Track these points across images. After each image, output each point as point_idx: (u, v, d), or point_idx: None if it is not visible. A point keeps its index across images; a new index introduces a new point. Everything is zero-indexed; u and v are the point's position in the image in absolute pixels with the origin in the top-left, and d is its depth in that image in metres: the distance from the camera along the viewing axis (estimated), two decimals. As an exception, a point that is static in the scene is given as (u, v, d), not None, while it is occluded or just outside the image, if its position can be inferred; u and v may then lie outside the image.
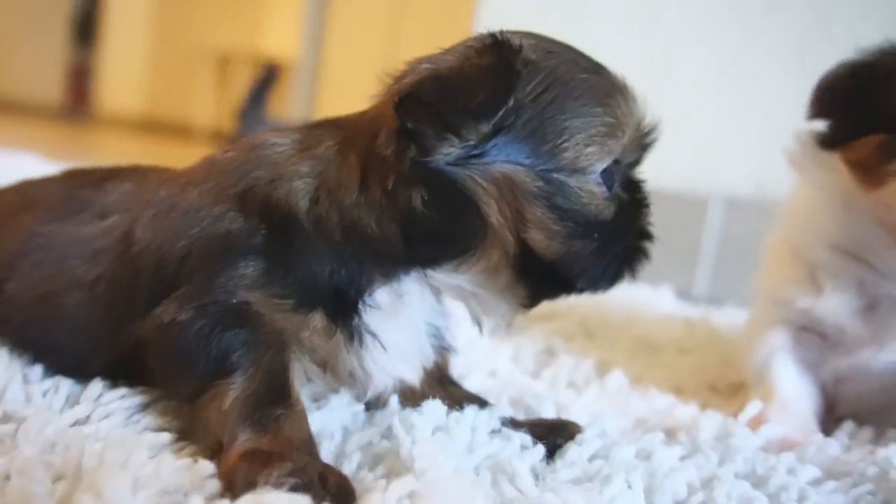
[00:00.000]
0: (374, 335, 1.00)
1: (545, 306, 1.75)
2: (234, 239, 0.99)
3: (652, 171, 1.09)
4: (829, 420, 1.36)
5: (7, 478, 0.80)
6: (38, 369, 1.10)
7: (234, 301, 0.96)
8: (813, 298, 1.30)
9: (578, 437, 1.06)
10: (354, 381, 1.04)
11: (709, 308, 2.28)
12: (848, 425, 1.31)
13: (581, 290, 1.05)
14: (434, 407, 1.02)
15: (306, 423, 0.94)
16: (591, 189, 0.99)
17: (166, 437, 0.95)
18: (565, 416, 1.18)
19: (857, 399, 1.35)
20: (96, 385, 1.05)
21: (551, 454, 1.03)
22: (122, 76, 9.89)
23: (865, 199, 1.22)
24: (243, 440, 0.88)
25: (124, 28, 9.90)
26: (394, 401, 1.09)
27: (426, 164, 0.96)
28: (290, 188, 1.01)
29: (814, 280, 1.31)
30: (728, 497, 0.97)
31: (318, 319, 0.98)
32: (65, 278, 1.08)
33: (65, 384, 1.06)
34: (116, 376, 1.07)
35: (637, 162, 1.07)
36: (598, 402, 1.34)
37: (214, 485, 0.83)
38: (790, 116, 1.36)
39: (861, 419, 1.33)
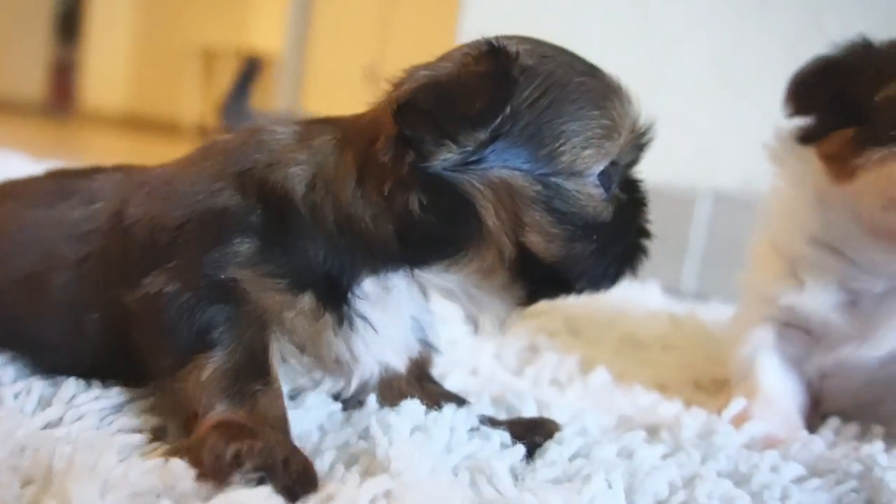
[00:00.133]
0: (364, 319, 1.01)
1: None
2: (231, 215, 1.00)
3: (640, 168, 1.10)
4: (815, 416, 1.35)
5: (-25, 482, 0.79)
6: (10, 370, 1.08)
7: (223, 277, 0.96)
8: (796, 294, 1.30)
9: (559, 435, 1.05)
10: (340, 366, 1.04)
11: (696, 304, 2.28)
12: (833, 421, 1.31)
13: (581, 291, 1.06)
14: (412, 406, 1.01)
15: (282, 402, 0.95)
16: (589, 191, 1.00)
17: (138, 438, 0.94)
18: (547, 415, 1.17)
19: (842, 395, 1.35)
20: (69, 386, 1.04)
21: (531, 453, 1.02)
22: (107, 72, 9.86)
23: (838, 192, 1.23)
24: (219, 411, 0.89)
25: (108, 24, 9.87)
26: (371, 400, 1.08)
27: (424, 169, 0.97)
28: (287, 173, 1.02)
29: (796, 275, 1.31)
30: (709, 496, 0.97)
31: (306, 301, 0.98)
32: (51, 259, 1.08)
33: (37, 386, 1.04)
34: (103, 366, 1.07)
35: (634, 162, 1.08)
36: (581, 399, 1.34)
37: (187, 485, 0.82)
38: (779, 113, 1.36)
39: (847, 415, 1.33)
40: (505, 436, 1.03)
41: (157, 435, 0.97)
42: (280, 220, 1.00)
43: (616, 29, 2.85)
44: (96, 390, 1.04)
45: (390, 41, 4.77)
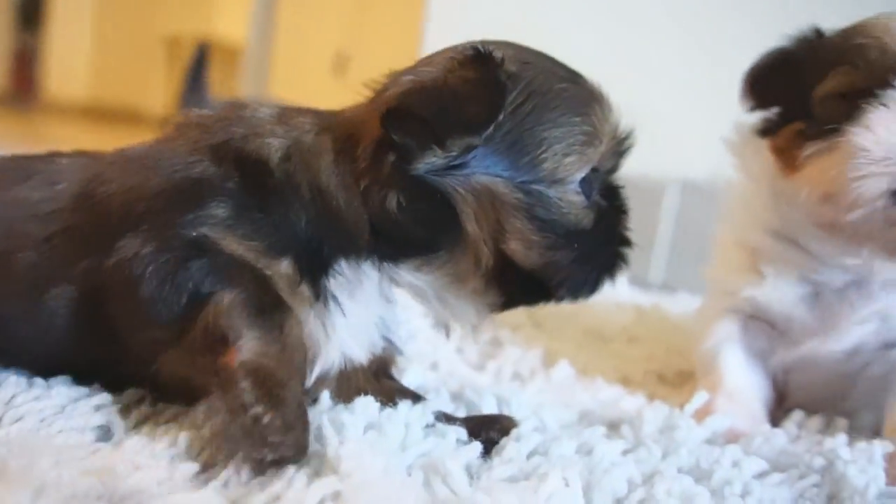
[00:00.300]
0: (337, 300, 1.00)
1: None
2: (207, 182, 0.99)
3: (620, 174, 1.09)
4: (780, 411, 1.35)
5: None
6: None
7: (195, 234, 0.94)
8: (757, 287, 1.30)
9: (516, 432, 1.03)
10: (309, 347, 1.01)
11: (663, 295, 2.27)
12: (797, 415, 1.30)
13: (561, 299, 1.06)
14: (366, 403, 0.99)
15: (301, 329, 0.94)
16: (570, 199, 1.00)
17: (77, 439, 0.91)
18: (507, 411, 1.16)
19: (807, 389, 1.35)
20: (9, 386, 1.00)
21: (488, 450, 1.01)
22: (69, 61, 9.74)
23: (787, 185, 1.23)
24: (252, 337, 0.87)
25: (70, 12, 9.74)
26: (325, 397, 1.05)
27: (407, 170, 0.97)
28: (263, 142, 1.02)
29: (757, 268, 1.30)
30: (669, 493, 0.95)
31: (285, 266, 0.97)
32: (15, 239, 1.03)
33: (-21, 386, 1.02)
34: (71, 357, 1.04)
35: (614, 168, 1.08)
36: (543, 394, 1.32)
37: (127, 486, 0.80)
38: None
39: (811, 409, 1.33)
40: (461, 433, 1.01)
41: (102, 436, 0.95)
42: (257, 184, 0.99)
43: (584, 20, 2.83)
44: (37, 390, 1.01)
45: (359, 29, 4.74)
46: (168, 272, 0.91)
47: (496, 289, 1.03)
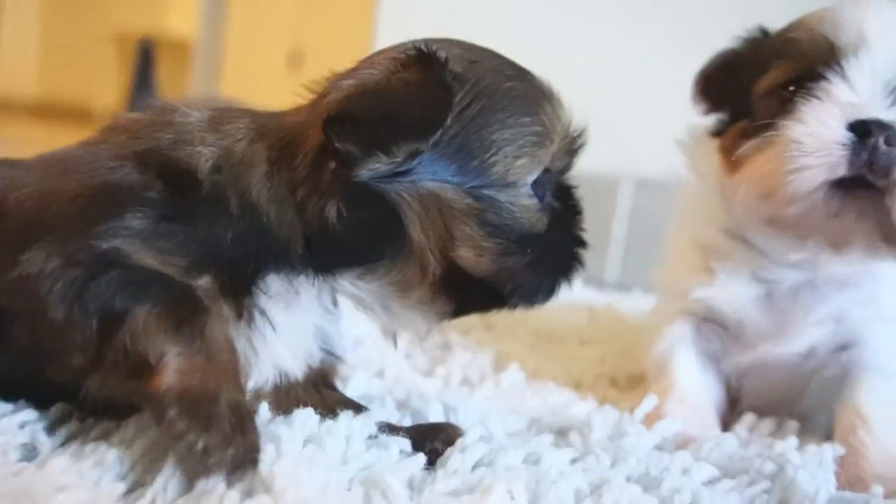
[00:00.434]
0: (265, 315, 0.96)
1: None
2: (127, 190, 0.93)
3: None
4: (733, 414, 1.34)
5: None
6: None
7: (105, 247, 0.88)
8: (708, 287, 1.28)
9: (462, 442, 1.01)
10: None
11: (618, 295, 2.26)
12: (748, 418, 1.29)
13: (515, 306, 1.04)
14: (305, 416, 0.96)
15: (227, 329, 0.91)
16: (522, 203, 0.98)
17: (-1, 460, 0.88)
18: (454, 418, 1.14)
19: (761, 392, 1.34)
20: None
21: (432, 462, 0.99)
22: (16, 57, 9.58)
23: (731, 183, 1.22)
24: (174, 354, 0.83)
25: (18, 8, 9.59)
26: (263, 409, 1.01)
27: (348, 177, 0.93)
28: (192, 151, 0.97)
29: (709, 268, 1.29)
30: (617, 503, 0.94)
31: (204, 283, 0.92)
32: None
33: None
34: None
35: (567, 168, 1.05)
36: (491, 400, 1.30)
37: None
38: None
39: (764, 411, 1.32)
40: (405, 444, 0.99)
41: (26, 455, 0.91)
42: (182, 196, 0.94)
43: (537, 15, 2.82)
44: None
45: (313, 24, 4.70)
46: (76, 291, 0.85)
47: (445, 297, 1.00)
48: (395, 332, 1.09)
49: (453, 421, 1.13)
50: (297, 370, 1.02)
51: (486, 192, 0.95)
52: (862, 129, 1.09)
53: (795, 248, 1.21)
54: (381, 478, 0.89)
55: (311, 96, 1.02)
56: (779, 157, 1.13)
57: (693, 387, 1.31)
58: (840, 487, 1.08)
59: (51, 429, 0.95)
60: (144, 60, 2.74)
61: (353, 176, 0.93)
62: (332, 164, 0.94)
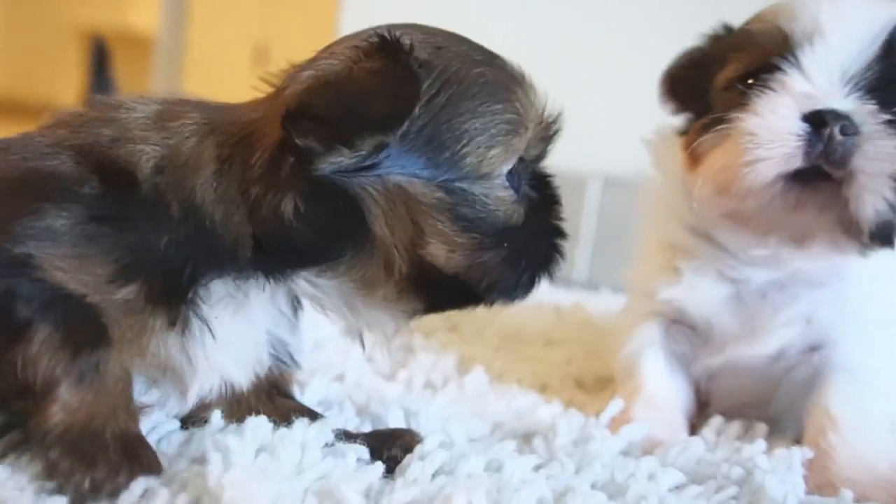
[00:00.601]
0: (204, 323, 0.92)
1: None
2: (58, 181, 0.89)
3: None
4: (702, 417, 1.32)
5: None
6: None
7: (16, 252, 0.84)
8: (675, 287, 1.27)
9: (422, 449, 0.98)
10: (174, 374, 0.95)
11: (586, 294, 2.25)
12: (716, 420, 1.27)
13: (492, 303, 1.00)
14: (257, 424, 0.93)
15: (129, 377, 0.88)
16: (497, 194, 0.94)
17: None
18: (415, 424, 1.12)
19: (731, 395, 1.33)
20: None
21: (391, 470, 0.96)
22: (-24, 54, 9.47)
23: (692, 179, 1.20)
24: (66, 387, 0.82)
25: (-23, 3, 9.48)
26: (215, 417, 0.98)
27: (307, 171, 0.89)
28: (133, 149, 0.92)
29: (676, 268, 1.28)
30: (581, 512, 0.92)
31: (129, 292, 0.88)
32: None
33: None
34: None
35: (542, 156, 1.02)
36: (455, 404, 1.27)
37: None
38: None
39: (734, 414, 1.30)
40: (362, 452, 0.96)
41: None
42: (117, 195, 0.90)
43: (504, 9, 2.80)
44: None
45: (277, 19, 4.66)
46: None
47: (414, 294, 0.96)
48: (361, 333, 1.04)
49: (414, 426, 1.11)
50: (243, 379, 0.99)
51: (458, 184, 0.92)
52: (817, 120, 1.08)
53: (757, 243, 1.20)
54: (337, 488, 0.87)
55: (269, 89, 0.98)
56: (733, 150, 1.12)
57: (661, 389, 1.29)
58: (809, 491, 1.07)
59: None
60: (99, 57, 2.69)
61: (314, 170, 0.89)
62: (291, 160, 0.90)
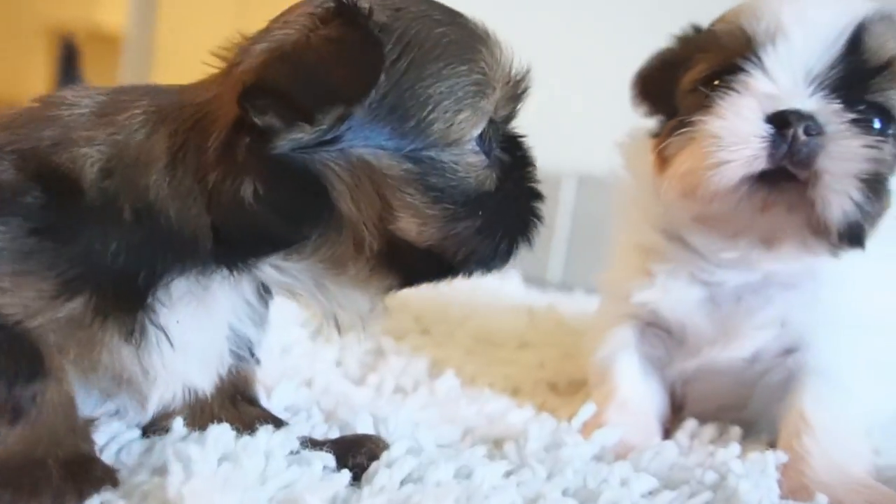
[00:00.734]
0: (161, 331, 0.89)
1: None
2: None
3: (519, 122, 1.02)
4: (676, 422, 1.32)
5: None
6: None
7: None
8: (649, 290, 1.26)
9: (388, 456, 0.97)
10: (129, 386, 0.93)
11: (560, 295, 2.24)
12: (689, 424, 1.27)
13: (470, 274, 0.96)
14: (220, 433, 0.90)
15: (71, 403, 0.85)
16: (468, 161, 0.90)
17: None
18: (384, 430, 1.10)
19: (706, 399, 1.33)
20: None
21: (358, 477, 0.95)
22: (-59, 52, 9.38)
23: (660, 182, 1.19)
24: (4, 422, 0.80)
25: (-57, -1, 9.39)
26: (177, 425, 0.96)
27: (267, 151, 0.85)
28: (77, 154, 0.87)
29: (649, 271, 1.27)
30: (552, 519, 0.91)
31: (74, 307, 0.85)
32: None
33: None
34: None
35: (511, 116, 0.98)
36: (425, 409, 1.26)
37: None
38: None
39: (709, 418, 1.30)
40: (328, 459, 0.94)
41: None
42: (61, 206, 0.86)
43: (475, 8, 2.79)
44: None
45: (248, 16, 4.61)
46: None
47: (387, 271, 0.93)
48: (336, 315, 0.99)
49: (383, 432, 1.09)
50: (205, 383, 0.97)
51: (426, 153, 0.88)
52: (780, 121, 1.07)
53: (726, 246, 1.19)
54: (302, 497, 0.85)
55: (221, 66, 0.93)
56: (698, 153, 1.11)
57: (635, 393, 1.29)
58: (783, 496, 1.07)
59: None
60: (67, 56, 2.66)
61: (272, 149, 0.85)
62: (247, 140, 0.85)
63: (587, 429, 1.19)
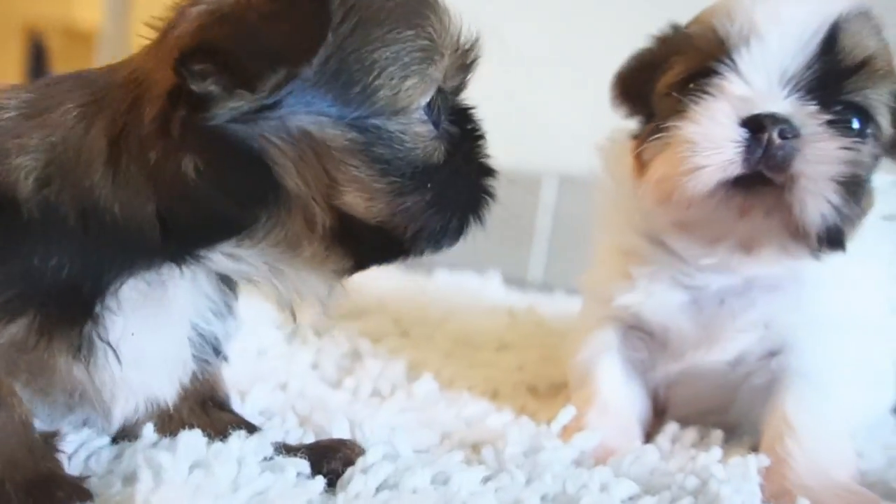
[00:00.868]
0: (110, 345, 0.85)
1: (354, 303, 1.67)
2: None
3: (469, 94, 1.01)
4: (659, 425, 1.31)
5: None
6: None
7: None
8: (631, 293, 1.25)
9: (363, 462, 0.96)
10: (91, 401, 0.91)
11: (540, 296, 2.23)
12: (671, 428, 1.26)
13: (421, 252, 0.93)
14: (190, 439, 0.89)
15: (25, 425, 0.83)
16: (415, 130, 0.88)
17: None
18: (360, 435, 1.09)
19: (689, 402, 1.31)
20: None
21: (333, 483, 0.93)
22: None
23: (639, 186, 1.18)
24: None
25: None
26: (147, 432, 0.94)
27: (203, 123, 0.80)
28: (10, 166, 0.83)
29: (631, 273, 1.26)
30: (530, 526, 0.90)
31: (17, 328, 0.82)
32: None
33: None
34: None
35: (461, 87, 0.96)
36: (403, 413, 1.25)
37: None
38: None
39: (692, 421, 1.29)
40: (302, 465, 0.93)
41: None
42: None
43: (453, 7, 2.78)
44: None
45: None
46: None
47: (341, 250, 0.90)
48: (292, 302, 0.96)
49: (359, 437, 1.08)
50: (167, 393, 0.94)
51: (372, 122, 0.85)
52: (755, 125, 1.06)
53: (706, 252, 1.19)
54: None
55: (153, 35, 0.88)
56: (673, 159, 1.10)
57: (616, 396, 1.27)
58: (766, 500, 1.06)
59: None
60: (37, 54, 2.63)
61: (208, 119, 0.80)
62: (183, 112, 0.81)
63: (567, 432, 1.19)
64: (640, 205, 1.20)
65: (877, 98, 1.11)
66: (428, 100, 0.89)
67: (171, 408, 0.97)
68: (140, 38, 0.89)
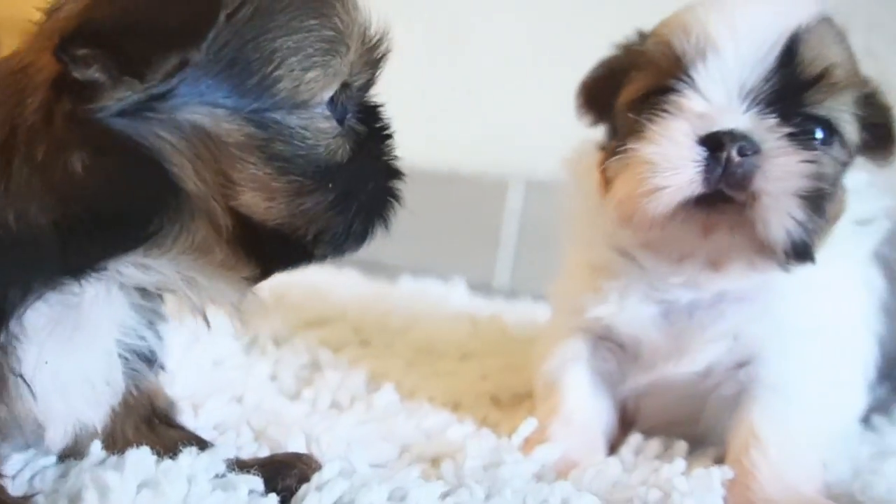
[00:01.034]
0: (23, 378, 0.81)
1: (314, 311, 1.66)
2: None
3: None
4: (624, 436, 1.30)
5: None
6: None
7: None
8: (603, 305, 1.24)
9: (317, 478, 0.94)
10: (14, 431, 0.87)
11: (506, 303, 2.22)
12: (634, 439, 1.25)
13: (323, 257, 0.90)
14: (138, 458, 0.87)
15: None
16: (317, 126, 0.84)
17: None
18: (316, 448, 1.08)
19: (658, 413, 1.31)
20: None
21: (286, 501, 0.92)
22: None
23: (605, 203, 1.18)
24: None
25: None
26: (94, 449, 0.92)
27: (89, 116, 0.75)
28: None
29: (603, 287, 1.25)
30: (488, 543, 0.89)
31: None
32: None
33: None
34: None
35: (369, 83, 0.93)
36: (361, 426, 1.23)
37: None
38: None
39: (661, 432, 1.28)
40: (255, 483, 0.92)
41: None
42: None
43: (424, 10, 2.77)
44: None
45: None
46: None
47: (244, 255, 0.86)
48: (204, 310, 0.93)
49: (315, 451, 1.07)
50: (97, 417, 0.91)
51: (271, 115, 0.81)
52: (713, 143, 1.06)
53: (674, 270, 1.18)
54: (226, 524, 0.83)
55: (38, 21, 0.83)
56: (633, 180, 1.09)
57: (581, 408, 1.27)
58: (729, 511, 1.06)
59: None
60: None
61: (94, 111, 0.75)
62: (67, 104, 0.76)
63: (529, 444, 1.18)
64: (608, 219, 1.19)
65: (838, 109, 1.11)
66: (331, 94, 0.86)
67: (115, 427, 0.95)
68: (30, 23, 0.84)
